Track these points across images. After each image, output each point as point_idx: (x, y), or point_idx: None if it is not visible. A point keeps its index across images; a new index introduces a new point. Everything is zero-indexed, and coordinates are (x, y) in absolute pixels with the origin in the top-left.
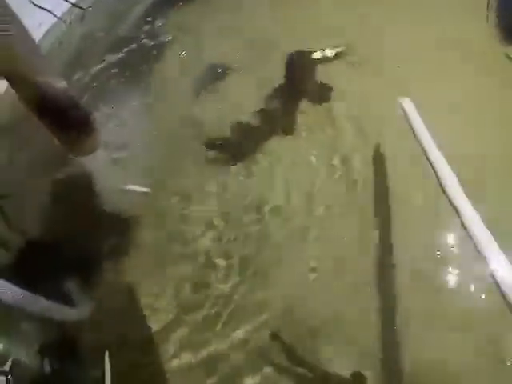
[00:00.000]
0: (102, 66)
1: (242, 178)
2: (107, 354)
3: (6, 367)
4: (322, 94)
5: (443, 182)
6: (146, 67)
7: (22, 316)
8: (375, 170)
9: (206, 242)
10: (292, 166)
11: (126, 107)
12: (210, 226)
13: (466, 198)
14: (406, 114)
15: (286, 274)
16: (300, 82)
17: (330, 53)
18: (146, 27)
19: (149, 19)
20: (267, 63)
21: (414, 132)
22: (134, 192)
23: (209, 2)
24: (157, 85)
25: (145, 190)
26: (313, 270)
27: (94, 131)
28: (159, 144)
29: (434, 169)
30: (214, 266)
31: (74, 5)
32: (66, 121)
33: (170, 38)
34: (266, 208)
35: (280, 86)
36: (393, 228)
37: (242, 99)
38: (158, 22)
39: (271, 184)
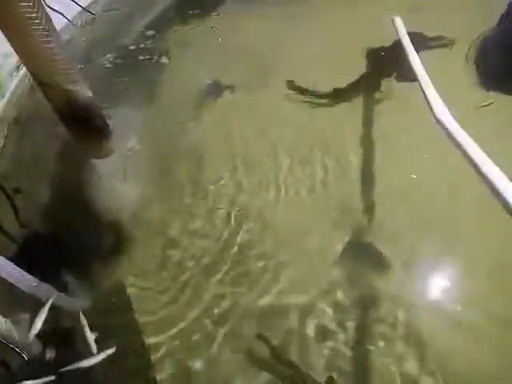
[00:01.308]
0: (105, 70)
1: None
2: (81, 313)
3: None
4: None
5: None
6: (148, 76)
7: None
8: None
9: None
10: None
11: (127, 114)
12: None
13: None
14: (398, 31)
15: None
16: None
17: None
18: (151, 38)
19: (154, 31)
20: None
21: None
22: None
23: (214, 18)
24: (159, 94)
25: None
26: None
27: (111, 136)
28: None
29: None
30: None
31: (84, 9)
32: (91, 127)
33: (173, 50)
34: None
35: None
36: None
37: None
38: (163, 34)
39: None
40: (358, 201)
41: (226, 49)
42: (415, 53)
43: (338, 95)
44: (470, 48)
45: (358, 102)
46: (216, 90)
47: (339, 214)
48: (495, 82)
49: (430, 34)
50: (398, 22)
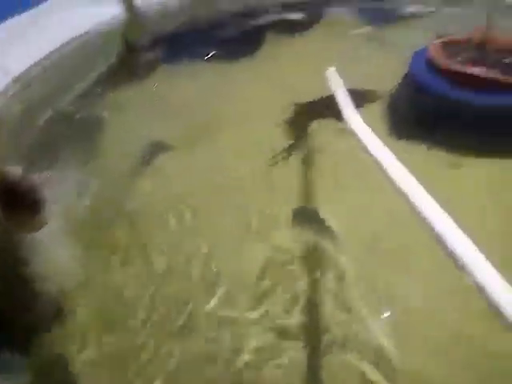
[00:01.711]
0: (41, 134)
1: None
2: None
3: None
4: None
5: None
6: (83, 143)
7: None
8: None
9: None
10: None
11: (64, 177)
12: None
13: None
14: (331, 81)
15: None
16: None
17: None
18: (87, 103)
19: (91, 95)
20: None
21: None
22: None
23: (151, 78)
24: (97, 155)
25: None
26: None
27: (44, 209)
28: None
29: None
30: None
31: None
32: (23, 205)
33: (109, 114)
34: None
35: None
36: None
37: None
38: (99, 99)
39: None
40: None
41: (165, 108)
42: (348, 100)
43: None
44: (384, 101)
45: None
46: (156, 149)
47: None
48: (405, 131)
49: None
50: (332, 72)
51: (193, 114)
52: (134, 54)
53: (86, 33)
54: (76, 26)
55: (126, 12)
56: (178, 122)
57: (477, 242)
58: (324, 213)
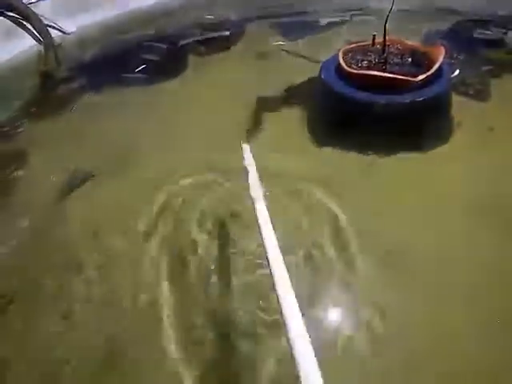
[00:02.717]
0: None
1: None
2: None
3: None
4: None
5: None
6: (6, 176)
7: None
8: None
9: None
10: None
11: None
12: None
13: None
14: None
15: None
16: None
17: None
18: (6, 137)
19: (10, 129)
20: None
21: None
22: None
23: (73, 110)
24: (17, 196)
25: None
26: None
27: None
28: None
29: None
30: None
31: None
32: None
33: (31, 148)
34: None
35: None
36: None
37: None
38: (19, 132)
39: None
40: None
41: (88, 137)
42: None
43: None
44: (303, 107)
45: None
46: (76, 181)
47: None
48: (323, 134)
49: None
50: (246, 148)
51: (115, 141)
52: (53, 85)
53: None
54: None
55: (41, 44)
56: (100, 151)
57: None
58: None
